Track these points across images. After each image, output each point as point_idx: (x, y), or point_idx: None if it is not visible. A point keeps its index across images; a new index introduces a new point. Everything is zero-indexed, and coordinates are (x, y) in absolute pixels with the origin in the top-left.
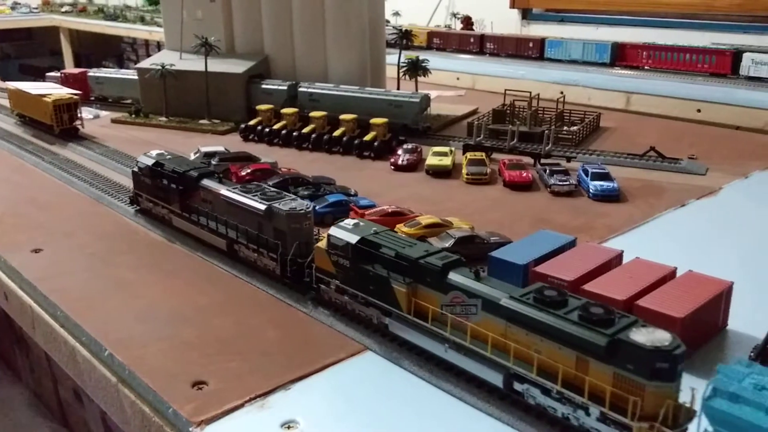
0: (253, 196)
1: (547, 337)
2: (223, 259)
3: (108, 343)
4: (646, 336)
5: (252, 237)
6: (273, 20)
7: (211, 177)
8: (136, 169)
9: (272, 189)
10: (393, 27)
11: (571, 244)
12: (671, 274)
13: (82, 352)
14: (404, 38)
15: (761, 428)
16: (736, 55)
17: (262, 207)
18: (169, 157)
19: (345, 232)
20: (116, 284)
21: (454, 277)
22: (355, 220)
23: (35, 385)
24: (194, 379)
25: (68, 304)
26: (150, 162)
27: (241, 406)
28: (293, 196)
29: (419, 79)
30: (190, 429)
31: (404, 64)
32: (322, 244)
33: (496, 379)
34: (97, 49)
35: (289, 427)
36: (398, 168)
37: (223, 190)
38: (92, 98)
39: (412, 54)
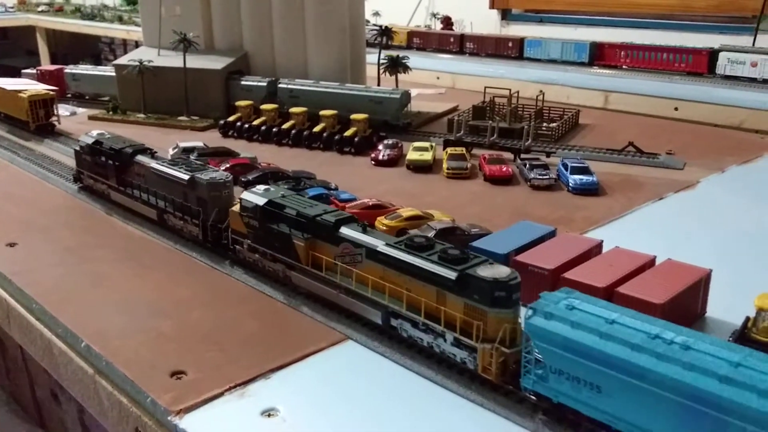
0: (179, 168)
1: (414, 276)
2: (154, 227)
3: (85, 334)
4: (489, 271)
5: (178, 206)
6: (252, 17)
7: (144, 153)
8: (78, 148)
9: (197, 162)
10: (373, 24)
11: (551, 235)
12: (650, 263)
13: (58, 344)
14: (384, 35)
15: (565, 337)
16: (713, 54)
17: (186, 177)
18: (108, 136)
19: (255, 195)
20: (92, 277)
21: (344, 231)
22: (266, 186)
23: (11, 386)
24: (172, 369)
25: (44, 296)
26: (90, 141)
27: (221, 394)
28: (216, 169)
29: (400, 78)
30: (169, 418)
31: (384, 61)
32: (236, 207)
33: (376, 316)
34: (75, 49)
35: (269, 415)
36: (379, 163)
37: (153, 164)
38: (69, 95)
39: (393, 53)
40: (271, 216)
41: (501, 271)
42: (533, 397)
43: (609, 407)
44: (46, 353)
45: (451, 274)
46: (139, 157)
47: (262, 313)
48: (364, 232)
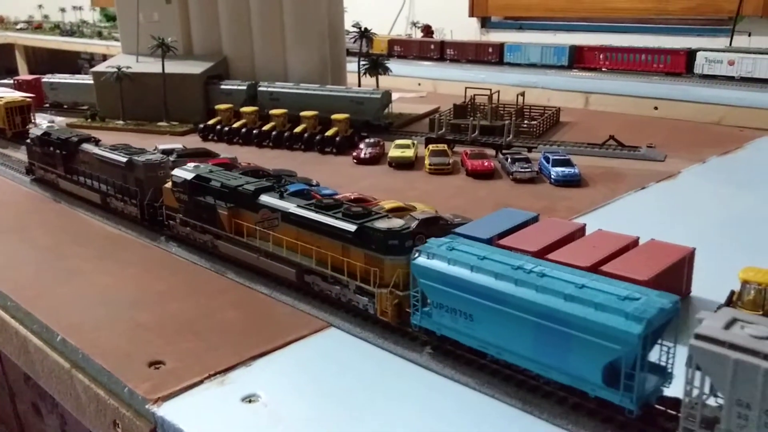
0: (118, 153)
1: (322, 233)
2: (98, 211)
3: (60, 328)
4: (384, 223)
5: (118, 188)
6: (231, 21)
7: (88, 141)
8: (28, 141)
9: (136, 148)
10: (352, 26)
11: (534, 220)
12: (634, 243)
13: (34, 341)
14: (363, 37)
15: (442, 272)
16: (690, 54)
17: (124, 159)
18: (56, 128)
19: (185, 171)
20: (69, 274)
21: (263, 198)
22: (196, 164)
23: None
24: (150, 359)
25: (18, 293)
26: (39, 132)
27: (200, 382)
28: (154, 152)
29: (381, 84)
30: (147, 407)
31: (365, 63)
32: (169, 184)
33: (291, 275)
34: (54, 66)
35: (250, 401)
36: (361, 161)
37: (96, 150)
38: (47, 104)
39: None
40: (199, 189)
41: (395, 223)
42: (422, 334)
43: (480, 333)
44: (22, 351)
45: (351, 227)
46: (84, 146)
47: (242, 301)
48: (281, 198)
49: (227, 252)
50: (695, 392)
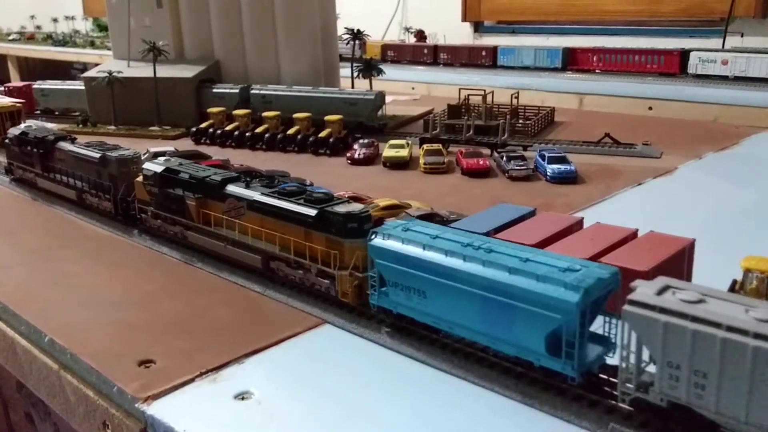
0: (92, 149)
1: (285, 219)
2: (74, 207)
3: (48, 329)
4: (344, 208)
5: (92, 183)
6: (222, 25)
7: (64, 140)
8: (7, 141)
9: (109, 144)
10: (345, 28)
11: (531, 214)
12: (632, 235)
13: (22, 343)
14: (356, 39)
15: (396, 252)
16: (684, 54)
17: (98, 155)
18: (34, 128)
19: (155, 165)
20: (58, 276)
21: (229, 187)
22: (166, 157)
23: None
24: (141, 358)
25: (6, 295)
26: (17, 132)
27: (192, 380)
28: (127, 148)
29: (374, 88)
30: (137, 405)
31: (358, 65)
32: (140, 178)
33: (256, 262)
34: (47, 76)
35: (243, 398)
36: (355, 162)
37: (71, 147)
38: (38, 111)
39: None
40: (168, 181)
41: (353, 208)
42: (379, 313)
43: (433, 309)
44: (11, 354)
45: (312, 212)
46: (60, 144)
47: (233, 300)
48: (247, 187)
49: (196, 242)
50: (633, 358)
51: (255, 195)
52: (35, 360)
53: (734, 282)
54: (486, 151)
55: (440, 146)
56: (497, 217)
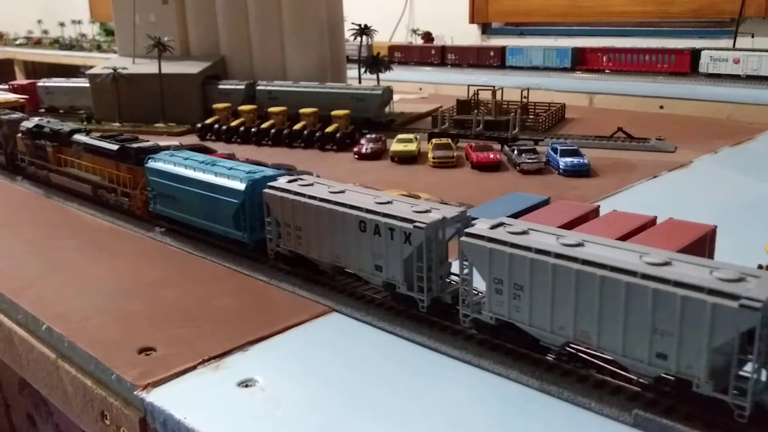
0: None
1: (103, 156)
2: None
3: (46, 317)
4: (138, 144)
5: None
6: (228, 21)
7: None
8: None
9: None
10: (352, 23)
11: (545, 203)
12: (651, 223)
13: (19, 332)
14: (363, 34)
15: (157, 169)
16: (695, 53)
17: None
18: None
19: (29, 123)
20: (57, 265)
21: (77, 137)
22: (47, 119)
23: None
24: (141, 346)
25: (3, 285)
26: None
27: (194, 368)
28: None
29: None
30: (136, 393)
31: (366, 59)
32: (19, 134)
33: (87, 190)
34: None
35: (246, 386)
36: (362, 157)
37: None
38: (42, 109)
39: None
40: (36, 135)
41: (146, 144)
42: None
43: (179, 209)
44: (8, 345)
45: (115, 147)
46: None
47: (237, 288)
48: (87, 135)
49: (56, 181)
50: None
51: (88, 140)
52: (32, 350)
53: (759, 267)
54: (496, 145)
55: (449, 141)
56: (511, 206)
